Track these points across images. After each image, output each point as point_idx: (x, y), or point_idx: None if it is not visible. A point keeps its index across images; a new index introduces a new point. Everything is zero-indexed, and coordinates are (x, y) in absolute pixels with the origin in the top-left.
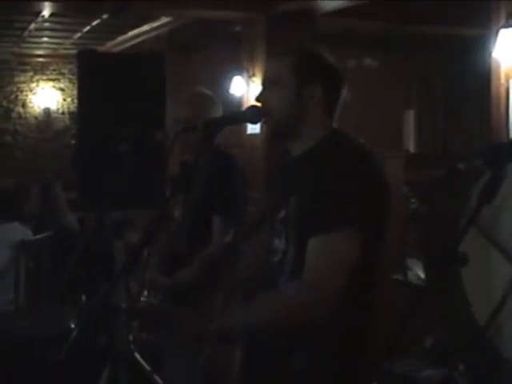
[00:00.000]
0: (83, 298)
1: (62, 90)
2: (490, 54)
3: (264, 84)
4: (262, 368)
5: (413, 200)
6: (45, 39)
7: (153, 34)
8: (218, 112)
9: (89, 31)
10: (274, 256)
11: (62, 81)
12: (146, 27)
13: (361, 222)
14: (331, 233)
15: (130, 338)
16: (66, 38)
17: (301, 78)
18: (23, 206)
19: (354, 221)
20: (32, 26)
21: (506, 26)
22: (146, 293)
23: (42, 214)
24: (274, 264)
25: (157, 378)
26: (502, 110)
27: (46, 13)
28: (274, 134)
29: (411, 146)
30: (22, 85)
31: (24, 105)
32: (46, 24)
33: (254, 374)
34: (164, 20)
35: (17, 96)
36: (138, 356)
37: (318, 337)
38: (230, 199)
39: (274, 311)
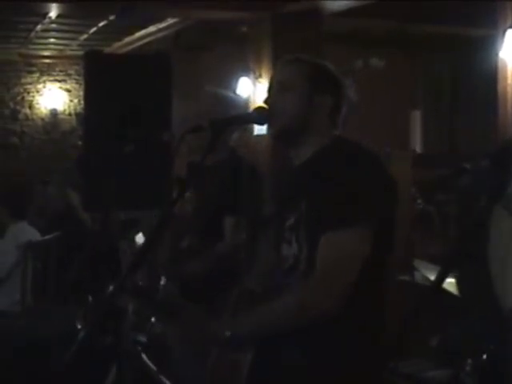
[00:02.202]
0: (89, 298)
1: (68, 91)
2: (496, 54)
3: (273, 88)
4: (265, 369)
5: (419, 201)
6: (51, 40)
7: (159, 35)
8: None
9: (95, 32)
10: (284, 263)
11: (68, 82)
12: (152, 28)
13: (369, 218)
14: (341, 229)
15: (139, 338)
16: (73, 39)
17: (314, 86)
18: (32, 206)
19: (363, 217)
20: (39, 27)
21: None
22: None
23: (59, 212)
24: (285, 270)
25: (163, 378)
26: (509, 109)
27: (52, 14)
28: (277, 138)
29: (418, 147)
30: (29, 86)
31: (31, 106)
32: (53, 25)
33: (257, 375)
34: (170, 21)
35: (23, 97)
36: (144, 356)
37: (323, 337)
38: (242, 200)
39: (287, 307)
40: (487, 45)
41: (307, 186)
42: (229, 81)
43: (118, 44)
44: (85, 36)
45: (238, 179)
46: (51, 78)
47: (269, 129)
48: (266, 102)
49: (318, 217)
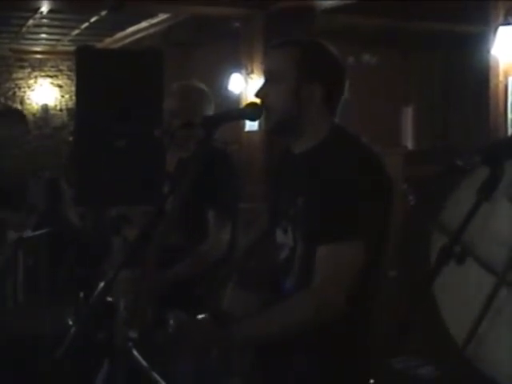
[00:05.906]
0: (81, 294)
1: (60, 86)
2: (488, 51)
3: (265, 76)
4: (262, 368)
5: (411, 197)
6: (43, 36)
7: (151, 30)
8: (210, 107)
9: (87, 28)
10: (280, 251)
11: (60, 77)
12: (144, 24)
13: (369, 230)
14: (340, 242)
15: (130, 334)
16: (65, 34)
17: (302, 74)
18: (22, 202)
19: (363, 230)
20: (30, 22)
21: (505, 24)
22: None
23: (47, 209)
24: (281, 260)
25: (154, 374)
26: (501, 106)
27: (44, 9)
28: (272, 130)
29: (409, 143)
30: (20, 81)
31: (22, 101)
32: (45, 20)
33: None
34: (162, 17)
35: (15, 93)
36: (135, 353)
37: (319, 338)
38: (224, 194)
39: (286, 319)
40: (479, 42)
41: (304, 180)
42: (221, 77)
43: (109, 39)
44: (76, 31)
45: (218, 173)
46: (43, 74)
47: (264, 123)
48: (257, 94)
49: (316, 219)
